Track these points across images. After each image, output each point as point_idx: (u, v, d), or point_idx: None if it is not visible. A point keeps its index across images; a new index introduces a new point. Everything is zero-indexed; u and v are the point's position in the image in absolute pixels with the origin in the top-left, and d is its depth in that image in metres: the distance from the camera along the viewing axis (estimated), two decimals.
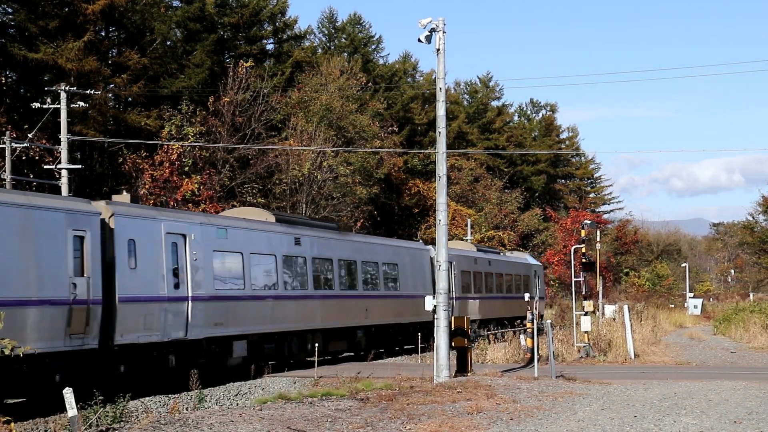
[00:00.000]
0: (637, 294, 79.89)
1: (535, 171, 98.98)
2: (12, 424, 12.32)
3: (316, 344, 26.20)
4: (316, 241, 28.70)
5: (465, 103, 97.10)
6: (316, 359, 24.88)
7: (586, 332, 31.39)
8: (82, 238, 19.47)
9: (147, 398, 19.97)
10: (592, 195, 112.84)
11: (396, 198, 68.22)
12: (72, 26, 43.27)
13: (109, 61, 47.35)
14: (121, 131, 46.17)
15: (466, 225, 64.96)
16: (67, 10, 44.04)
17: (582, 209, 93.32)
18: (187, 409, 17.95)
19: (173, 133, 44.37)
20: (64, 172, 35.96)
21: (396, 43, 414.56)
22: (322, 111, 53.20)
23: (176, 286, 21.98)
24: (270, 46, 62.86)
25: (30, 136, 37.21)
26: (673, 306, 76.27)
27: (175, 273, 22.03)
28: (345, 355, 31.15)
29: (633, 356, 30.98)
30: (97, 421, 14.77)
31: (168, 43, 52.17)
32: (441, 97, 22.64)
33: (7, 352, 12.52)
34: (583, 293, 33.69)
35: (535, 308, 26.74)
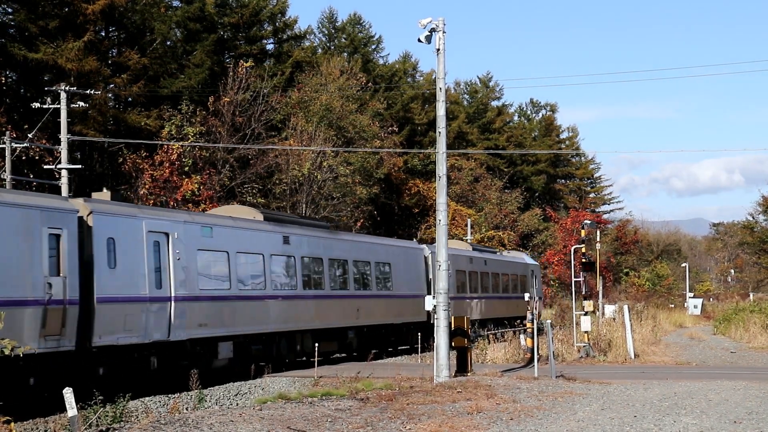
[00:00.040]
0: (637, 294, 79.89)
1: (535, 171, 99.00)
2: (12, 424, 12.31)
3: (315, 345, 25.86)
4: (306, 239, 28.22)
5: (465, 103, 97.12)
6: (316, 359, 24.88)
7: (586, 332, 31.39)
8: (58, 236, 18.92)
9: (147, 398, 19.97)
10: (592, 195, 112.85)
11: (396, 198, 68.22)
12: (72, 26, 43.27)
13: (109, 61, 47.35)
14: (121, 131, 46.17)
15: (466, 225, 64.97)
16: (67, 10, 44.05)
17: (582, 209, 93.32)
18: (187, 409, 17.96)
19: (173, 133, 44.38)
20: (64, 172, 35.96)
21: (396, 43, 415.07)
22: (322, 111, 53.21)
23: (158, 285, 21.46)
24: (270, 46, 62.93)
25: (30, 136, 37.21)
26: (673, 306, 76.29)
27: (157, 272, 21.54)
28: (336, 356, 30.60)
29: (633, 356, 30.98)
30: (97, 421, 14.78)
31: (168, 43, 52.17)
32: (441, 97, 22.64)
33: (7, 352, 12.50)
34: (583, 293, 33.69)
35: (535, 308, 26.69)
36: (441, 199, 22.55)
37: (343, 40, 76.94)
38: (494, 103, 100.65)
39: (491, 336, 36.39)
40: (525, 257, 52.79)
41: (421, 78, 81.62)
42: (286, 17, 63.45)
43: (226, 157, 47.61)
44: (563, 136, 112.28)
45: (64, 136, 36.01)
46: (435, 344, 22.13)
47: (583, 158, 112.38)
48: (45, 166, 37.11)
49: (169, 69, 50.56)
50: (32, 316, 18.01)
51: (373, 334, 32.10)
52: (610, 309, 42.06)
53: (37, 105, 37.23)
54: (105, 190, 25.44)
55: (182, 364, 21.97)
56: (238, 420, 14.28)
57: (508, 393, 18.36)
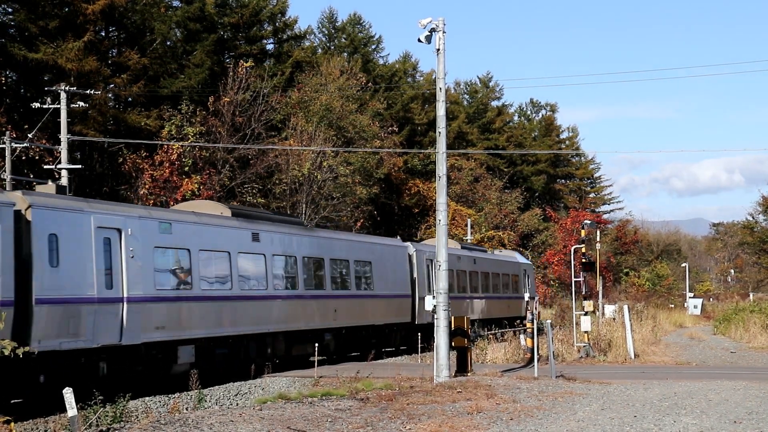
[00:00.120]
0: (637, 294, 79.90)
1: (535, 171, 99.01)
2: (12, 424, 12.32)
3: (314, 347, 25.25)
4: (278, 237, 26.71)
5: (465, 103, 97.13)
6: (316, 359, 24.86)
7: (586, 332, 31.40)
8: None
9: (147, 398, 19.96)
10: (592, 195, 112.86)
11: (396, 198, 68.22)
12: (72, 26, 43.27)
13: (109, 61, 47.34)
14: (121, 131, 46.17)
15: (466, 225, 64.96)
16: (67, 10, 44.05)
17: (582, 209, 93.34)
18: (187, 409, 17.96)
19: (173, 133, 44.37)
20: (64, 172, 35.97)
21: (396, 43, 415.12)
22: (322, 111, 53.22)
23: (108, 286, 19.94)
24: (270, 46, 62.93)
25: (30, 136, 37.22)
26: (673, 306, 76.31)
27: (108, 271, 20.02)
28: (315, 358, 29.15)
29: (633, 356, 30.99)
30: (97, 421, 14.78)
31: (168, 43, 52.16)
32: (441, 97, 22.64)
33: (6, 352, 12.49)
34: (583, 293, 33.70)
35: (535, 308, 26.68)
36: (441, 199, 22.56)
37: (343, 40, 76.95)
38: (494, 103, 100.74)
39: (491, 336, 36.34)
40: (517, 256, 51.64)
41: (421, 78, 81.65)
42: (286, 17, 63.50)
43: (226, 157, 47.61)
44: (563, 136, 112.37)
45: (64, 136, 36.02)
46: (435, 344, 22.14)
47: (583, 158, 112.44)
48: (45, 166, 37.11)
49: (169, 69, 50.56)
50: None
51: (353, 336, 30.67)
52: (610, 309, 42.08)
53: (37, 105, 37.24)
54: (49, 182, 23.67)
55: (136, 370, 20.79)
56: (238, 420, 14.28)
57: (508, 393, 18.36)
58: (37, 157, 38.50)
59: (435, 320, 22.08)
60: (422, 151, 68.96)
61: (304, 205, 49.28)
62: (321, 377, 22.98)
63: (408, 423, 14.43)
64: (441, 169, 22.58)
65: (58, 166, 36.18)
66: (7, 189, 29.06)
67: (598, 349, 31.78)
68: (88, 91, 37.89)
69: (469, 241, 60.16)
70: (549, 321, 26.75)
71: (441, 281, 22.25)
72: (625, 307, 34.07)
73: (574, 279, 35.69)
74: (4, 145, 35.01)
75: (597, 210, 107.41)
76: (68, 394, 13.08)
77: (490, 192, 76.86)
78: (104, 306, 19.72)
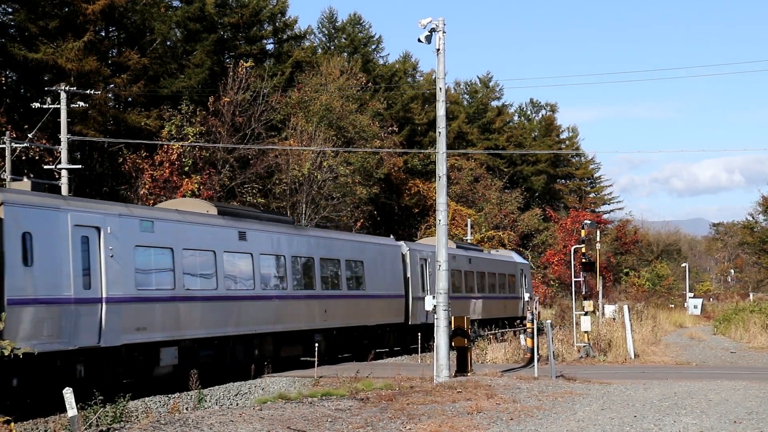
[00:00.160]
0: (637, 294, 79.89)
1: (535, 171, 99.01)
2: (12, 424, 12.31)
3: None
4: (266, 235, 26.05)
5: (465, 103, 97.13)
6: (316, 359, 24.85)
7: (586, 332, 31.41)
8: None
9: (147, 398, 19.96)
10: (592, 195, 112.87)
11: (396, 198, 68.23)
12: (72, 26, 43.27)
13: (109, 61, 47.36)
14: (121, 131, 46.18)
15: (466, 225, 64.97)
16: (67, 10, 44.06)
17: (582, 209, 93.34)
18: (187, 409, 17.97)
19: (173, 133, 44.38)
20: (64, 172, 35.97)
21: (396, 43, 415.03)
22: (322, 111, 53.23)
23: (87, 286, 19.28)
24: (270, 46, 62.94)
25: (30, 136, 37.22)
26: (673, 306, 76.31)
27: (86, 271, 19.36)
28: (305, 359, 28.19)
29: (633, 356, 30.99)
30: (97, 421, 14.78)
31: (168, 43, 52.17)
32: (441, 97, 22.65)
33: (6, 352, 12.49)
34: (583, 293, 33.70)
35: (535, 308, 26.62)
36: (441, 199, 22.56)
37: (343, 40, 76.97)
38: (494, 103, 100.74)
39: (490, 336, 36.30)
40: (514, 256, 51.09)
41: (421, 78, 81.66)
42: (286, 17, 63.51)
43: (226, 157, 47.62)
44: (563, 136, 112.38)
45: (64, 136, 36.02)
46: (435, 344, 22.15)
47: (583, 158, 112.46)
48: (45, 166, 37.10)
49: (169, 69, 50.57)
50: None
51: (344, 336, 29.95)
52: (610, 309, 42.06)
53: (37, 105, 37.24)
54: (25, 179, 22.99)
55: (116, 372, 20.18)
56: (238, 420, 14.28)
57: (508, 393, 18.36)
58: (37, 157, 38.49)
59: (435, 320, 22.08)
60: (422, 151, 68.97)
61: (304, 205, 49.28)
62: (321, 377, 22.98)
63: (408, 423, 14.43)
64: (441, 169, 22.58)
65: (58, 166, 36.18)
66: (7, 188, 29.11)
67: (598, 349, 31.78)
68: (88, 91, 37.89)
69: (469, 241, 60.16)
70: (549, 321, 26.75)
71: (441, 281, 22.26)
72: (625, 307, 34.08)
73: (574, 279, 35.70)
74: (4, 145, 35.01)
75: (597, 210, 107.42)
76: (68, 394, 13.09)
77: (490, 192, 76.87)
78: (82, 307, 19.09)
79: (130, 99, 48.79)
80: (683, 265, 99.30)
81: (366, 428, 14.01)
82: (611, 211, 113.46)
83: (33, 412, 17.68)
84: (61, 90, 36.36)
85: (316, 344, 25.58)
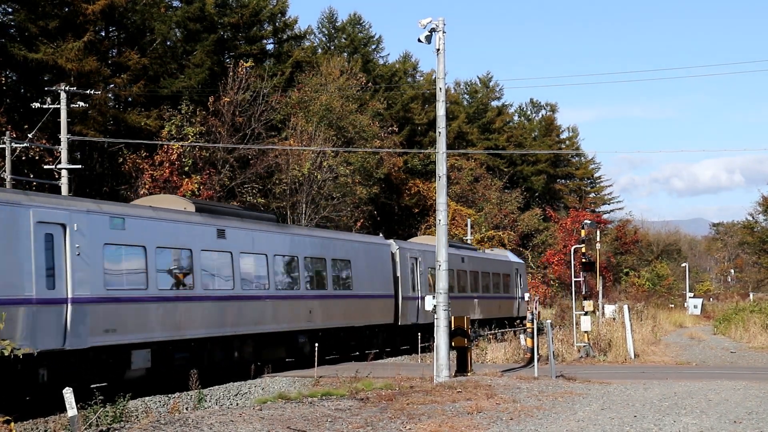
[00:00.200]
0: (637, 294, 79.91)
1: (535, 171, 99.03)
2: (12, 424, 12.31)
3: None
4: (246, 233, 25.19)
5: (465, 103, 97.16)
6: (316, 359, 24.84)
7: (586, 332, 31.41)
8: None
9: (147, 398, 19.97)
10: (592, 195, 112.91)
11: (396, 198, 68.25)
12: (72, 26, 43.29)
13: (109, 61, 47.38)
14: (121, 131, 46.19)
15: (466, 225, 64.97)
16: (67, 10, 44.08)
17: (582, 209, 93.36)
18: (187, 409, 17.98)
19: (173, 133, 44.39)
20: (64, 172, 35.97)
21: (396, 43, 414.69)
22: (322, 111, 53.24)
23: (50, 285, 18.40)
24: (270, 46, 62.93)
25: (30, 136, 37.22)
26: (673, 306, 76.32)
27: (50, 270, 18.45)
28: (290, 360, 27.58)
29: (633, 356, 31.00)
30: (97, 421, 14.78)
31: (168, 43, 52.19)
32: (441, 97, 22.65)
33: (6, 353, 12.48)
34: (583, 293, 33.70)
35: (535, 308, 26.61)
36: (441, 199, 22.57)
37: (343, 40, 76.99)
38: (494, 103, 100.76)
39: (489, 336, 36.29)
40: (509, 255, 50.38)
41: (421, 78, 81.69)
42: (286, 17, 63.51)
43: (226, 157, 47.63)
44: (563, 136, 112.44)
45: (64, 136, 36.02)
46: (435, 344, 22.16)
47: (583, 158, 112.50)
48: (45, 166, 37.11)
49: (169, 69, 50.58)
50: None
51: (330, 338, 29.01)
52: (610, 309, 42.05)
53: (37, 105, 37.24)
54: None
55: (83, 376, 19.26)
56: (238, 420, 14.29)
57: (508, 393, 18.37)
58: (37, 157, 38.51)
59: (435, 320, 22.10)
60: (422, 151, 68.99)
61: (304, 205, 49.30)
62: (321, 377, 22.98)
63: (408, 423, 14.43)
64: (441, 169, 22.59)
65: (58, 166, 36.18)
66: (8, 188, 29.09)
67: (598, 349, 31.78)
68: (88, 91, 37.90)
69: (469, 241, 60.15)
70: (549, 321, 26.75)
71: (441, 281, 22.29)
72: (625, 307, 34.07)
73: (574, 279, 35.69)
74: (4, 145, 35.01)
75: (597, 210, 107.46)
76: (68, 394, 13.09)
77: (490, 192, 76.89)
78: (44, 307, 18.17)
79: (130, 99, 48.81)
80: (683, 265, 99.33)
81: (366, 428, 14.02)
82: (611, 211, 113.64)
83: (33, 412, 17.68)
84: (61, 90, 36.37)
85: (316, 346, 25.27)
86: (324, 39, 77.23)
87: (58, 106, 36.36)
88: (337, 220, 51.26)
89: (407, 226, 69.13)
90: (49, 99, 37.18)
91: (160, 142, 43.81)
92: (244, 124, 48.86)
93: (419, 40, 22.07)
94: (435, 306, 22.01)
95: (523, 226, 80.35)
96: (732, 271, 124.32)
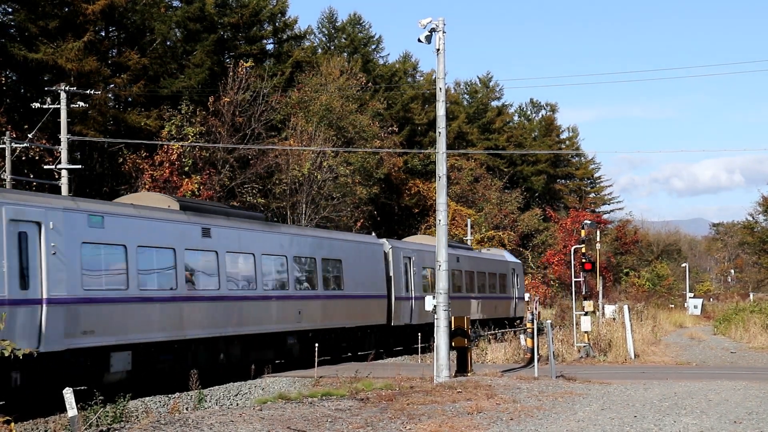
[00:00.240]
0: (637, 294, 79.94)
1: (535, 171, 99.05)
2: (12, 424, 12.30)
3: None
4: (233, 232, 24.49)
5: (465, 103, 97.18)
6: (316, 359, 24.83)
7: (586, 332, 31.43)
8: None
9: (147, 398, 19.96)
10: (592, 195, 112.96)
11: (396, 198, 68.26)
12: (72, 26, 43.31)
13: (109, 61, 47.41)
14: (121, 131, 46.21)
15: (466, 225, 64.99)
16: (67, 10, 44.10)
17: (582, 209, 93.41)
18: (187, 409, 17.97)
19: (173, 133, 44.40)
20: (64, 172, 35.98)
21: (396, 43, 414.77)
22: (322, 111, 53.26)
23: (24, 285, 17.82)
24: (270, 46, 62.97)
25: (30, 136, 37.24)
26: (673, 306, 76.35)
27: (24, 270, 17.90)
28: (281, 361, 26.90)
29: (633, 356, 31.00)
30: (97, 421, 14.78)
31: (168, 43, 52.22)
32: (441, 97, 22.66)
33: (7, 353, 12.47)
34: (583, 293, 33.71)
35: (536, 308, 26.61)
36: (441, 199, 22.57)
37: (343, 40, 77.01)
38: (494, 103, 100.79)
39: (490, 336, 36.26)
40: (505, 254, 49.68)
41: (421, 78, 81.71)
42: (286, 17, 63.53)
43: (226, 157, 47.64)
44: (563, 136, 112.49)
45: (64, 136, 36.03)
46: (435, 344, 22.17)
47: (583, 158, 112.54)
48: (45, 166, 37.12)
49: (169, 69, 50.61)
50: None
51: (320, 339, 27.99)
52: (610, 309, 42.07)
53: (37, 105, 37.25)
54: None
55: (59, 380, 18.34)
56: (238, 420, 14.29)
57: (508, 393, 18.37)
58: (37, 157, 38.52)
59: (435, 320, 22.11)
60: (422, 151, 69.00)
61: (304, 205, 49.31)
62: (321, 377, 22.99)
63: (408, 423, 14.43)
64: (441, 169, 22.59)
65: (58, 166, 36.19)
66: (7, 188, 29.11)
67: (598, 349, 31.79)
68: (88, 91, 37.91)
69: (468, 241, 60.16)
70: (549, 321, 26.75)
71: (441, 281, 22.29)
72: (625, 308, 34.09)
73: (574, 279, 35.70)
74: (4, 145, 35.02)
75: (597, 210, 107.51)
76: (68, 394, 13.09)
77: (490, 192, 76.90)
78: (17, 308, 17.54)
79: (130, 99, 48.83)
80: (683, 265, 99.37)
81: (366, 428, 14.02)
82: (611, 211, 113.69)
83: (33, 412, 17.68)
84: (61, 90, 36.38)
85: (316, 346, 25.10)
86: (324, 39, 77.30)
87: (58, 106, 36.37)
88: (337, 220, 51.26)
89: (407, 226, 69.14)
90: (49, 99, 37.19)
91: (160, 142, 43.82)
92: (244, 124, 48.88)
93: (419, 40, 22.07)
94: (435, 306, 22.01)
95: (523, 226, 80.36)
96: (732, 271, 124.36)
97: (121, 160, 44.46)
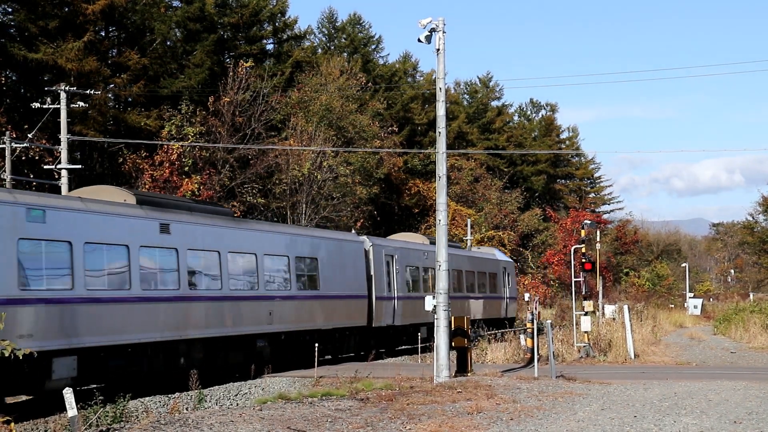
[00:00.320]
0: (637, 294, 79.97)
1: (535, 171, 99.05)
2: (12, 424, 12.30)
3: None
4: (196, 228, 23.02)
5: (465, 103, 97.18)
6: (315, 359, 24.83)
7: (586, 332, 31.42)
8: None
9: (147, 398, 19.95)
10: (592, 195, 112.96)
11: (396, 198, 68.26)
12: (72, 26, 43.31)
13: (109, 61, 47.40)
14: (121, 131, 46.22)
15: (466, 225, 64.99)
16: (67, 10, 44.11)
17: (582, 209, 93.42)
18: (187, 409, 17.97)
19: (173, 133, 44.41)
20: (64, 172, 35.98)
21: (396, 43, 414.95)
22: (322, 111, 53.26)
23: None
24: (270, 46, 62.98)
25: (30, 136, 37.24)
26: (673, 306, 76.35)
27: None
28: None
29: (633, 356, 31.00)
30: (97, 421, 14.78)
31: (168, 43, 52.23)
32: (441, 97, 22.66)
33: (6, 353, 12.46)
34: (583, 293, 33.71)
35: (535, 308, 26.60)
36: (441, 199, 22.57)
37: (343, 40, 77.01)
38: (494, 103, 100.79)
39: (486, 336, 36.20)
40: (497, 253, 48.44)
41: (421, 78, 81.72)
42: (286, 17, 63.55)
43: (226, 157, 47.65)
44: (563, 136, 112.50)
45: (64, 136, 36.03)
46: (435, 344, 22.17)
47: (583, 158, 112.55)
48: (45, 166, 37.13)
49: (169, 69, 50.62)
50: None
51: (294, 341, 27.07)
52: (610, 309, 42.06)
53: (37, 105, 37.26)
54: None
55: None
56: (238, 420, 14.28)
57: (508, 393, 18.37)
58: (37, 157, 38.52)
59: (435, 320, 22.11)
60: (422, 151, 69.00)
61: (304, 205, 49.31)
62: (321, 377, 22.99)
63: (408, 423, 14.43)
64: (441, 169, 22.59)
65: (58, 166, 36.19)
66: (8, 188, 29.10)
67: (598, 349, 31.79)
68: (88, 91, 37.92)
69: (468, 241, 60.15)
70: (549, 321, 26.75)
71: (441, 281, 22.28)
72: (625, 307, 34.08)
73: (574, 279, 35.69)
74: (4, 145, 35.03)
75: (597, 210, 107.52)
76: (68, 394, 13.09)
77: (490, 192, 76.88)
78: None
79: (130, 99, 48.84)
80: (683, 265, 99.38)
81: (366, 428, 14.02)
82: (611, 211, 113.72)
83: (33, 412, 17.68)
84: (61, 90, 36.38)
85: (316, 346, 24.92)
86: (324, 39, 77.30)
87: (58, 106, 36.37)
88: (337, 220, 51.25)
89: (407, 226, 69.07)
90: (49, 99, 37.20)
91: (160, 142, 43.82)
92: (244, 124, 48.88)
93: (419, 40, 22.07)
94: (435, 306, 22.01)
95: (523, 226, 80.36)
96: (732, 271, 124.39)
97: (121, 160, 44.47)
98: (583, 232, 38.28)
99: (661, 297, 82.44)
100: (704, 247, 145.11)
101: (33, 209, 18.22)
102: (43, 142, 38.91)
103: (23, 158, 38.13)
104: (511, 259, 51.91)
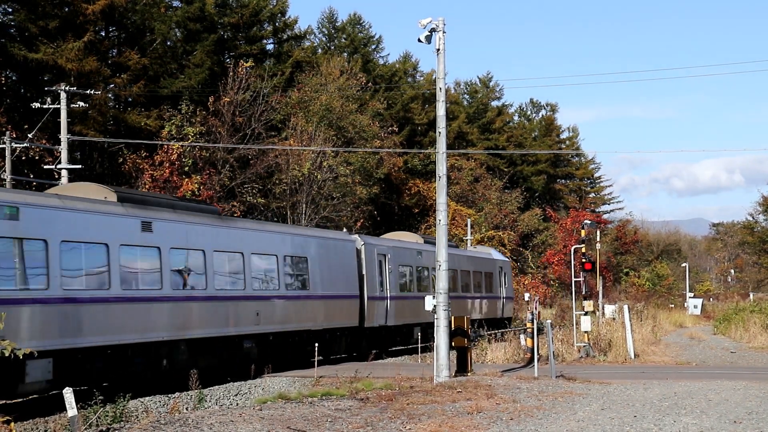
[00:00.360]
0: (637, 294, 79.97)
1: (535, 171, 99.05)
2: (12, 424, 12.30)
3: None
4: (179, 227, 22.43)
5: (465, 103, 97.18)
6: (315, 359, 24.83)
7: (586, 332, 31.42)
8: None
9: (147, 398, 19.95)
10: (592, 195, 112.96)
11: (396, 198, 68.26)
12: (72, 26, 43.32)
13: (109, 61, 47.42)
14: (121, 131, 46.22)
15: (466, 225, 64.98)
16: (67, 10, 44.12)
17: (582, 209, 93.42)
18: (187, 409, 17.97)
19: (173, 133, 44.41)
20: (64, 172, 35.99)
21: (396, 43, 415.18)
22: (322, 111, 53.26)
23: None
24: (270, 46, 62.99)
25: (30, 136, 37.25)
26: (673, 306, 76.32)
27: None
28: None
29: (633, 356, 31.00)
30: (97, 421, 14.78)
31: (168, 43, 52.23)
32: (441, 97, 22.66)
33: (7, 353, 12.46)
34: (583, 293, 33.71)
35: (535, 308, 26.59)
36: (441, 199, 22.58)
37: (343, 40, 77.02)
38: (494, 103, 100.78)
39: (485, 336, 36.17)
40: (493, 252, 48.06)
41: (421, 78, 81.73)
42: (286, 17, 63.56)
43: (226, 157, 47.65)
44: (563, 136, 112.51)
45: (64, 136, 36.03)
46: (435, 344, 22.17)
47: (583, 158, 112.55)
48: (45, 166, 37.14)
49: (169, 69, 50.63)
50: None
51: (283, 342, 26.52)
52: (610, 309, 42.05)
53: (37, 105, 37.27)
54: None
55: None
56: (238, 420, 14.29)
57: (508, 393, 18.37)
58: (37, 157, 38.53)
59: (435, 320, 22.12)
60: (422, 151, 69.00)
61: (304, 205, 49.31)
62: (321, 377, 22.99)
63: (408, 423, 14.43)
64: (441, 169, 22.60)
65: (58, 166, 36.20)
66: (8, 188, 29.11)
67: (598, 349, 31.79)
68: (88, 91, 37.93)
69: (469, 241, 60.14)
70: (549, 321, 26.76)
71: (441, 281, 22.29)
72: (625, 307, 34.07)
73: (574, 279, 35.68)
74: (4, 145, 35.03)
75: (597, 210, 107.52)
76: (68, 394, 13.09)
77: (490, 192, 76.88)
78: None
79: (130, 99, 48.85)
80: (683, 265, 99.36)
81: (366, 428, 14.02)
82: (611, 211, 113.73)
83: (33, 412, 17.68)
84: (61, 90, 36.39)
85: (316, 345, 24.87)
86: (324, 39, 77.31)
87: (58, 106, 36.38)
88: (337, 220, 51.25)
89: (407, 226, 69.03)
90: (49, 99, 37.21)
91: (160, 142, 43.82)
92: (244, 124, 48.89)
93: (419, 40, 22.08)
94: (435, 306, 22.01)
95: (523, 226, 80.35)
96: (732, 271, 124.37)
97: (121, 160, 44.47)
98: (583, 232, 38.27)
99: (661, 297, 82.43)
100: (704, 247, 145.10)
101: (5, 206, 17.58)
102: (43, 142, 38.92)
103: (23, 158, 38.14)
104: (507, 259, 51.57)
